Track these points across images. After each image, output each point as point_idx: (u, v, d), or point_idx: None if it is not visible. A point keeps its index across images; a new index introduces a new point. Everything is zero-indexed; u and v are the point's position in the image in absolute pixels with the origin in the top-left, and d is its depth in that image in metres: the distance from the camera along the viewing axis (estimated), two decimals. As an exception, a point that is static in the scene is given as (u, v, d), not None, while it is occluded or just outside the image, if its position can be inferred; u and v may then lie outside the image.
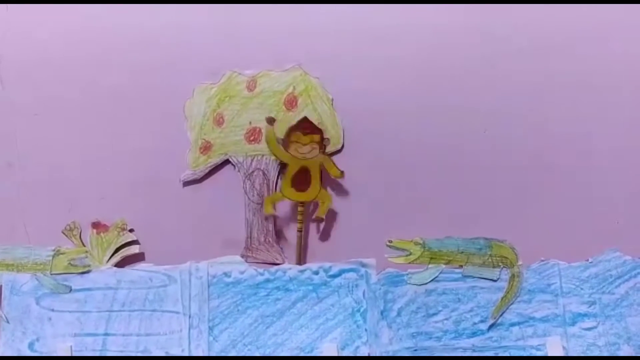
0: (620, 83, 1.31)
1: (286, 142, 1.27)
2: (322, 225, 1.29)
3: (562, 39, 1.31)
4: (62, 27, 1.33)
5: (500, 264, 1.24)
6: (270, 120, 1.27)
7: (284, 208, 1.29)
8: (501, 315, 1.22)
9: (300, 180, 1.27)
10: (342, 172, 1.27)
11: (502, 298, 1.23)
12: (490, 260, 1.24)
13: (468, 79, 1.31)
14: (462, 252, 1.24)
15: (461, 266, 1.24)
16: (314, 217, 1.27)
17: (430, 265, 1.24)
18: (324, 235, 1.29)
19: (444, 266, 1.24)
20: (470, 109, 1.30)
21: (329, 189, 1.29)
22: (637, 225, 1.28)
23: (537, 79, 1.30)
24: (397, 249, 1.24)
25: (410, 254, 1.24)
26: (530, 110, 1.30)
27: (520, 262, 1.24)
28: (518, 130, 1.30)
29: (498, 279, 1.24)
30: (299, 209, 1.27)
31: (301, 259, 1.27)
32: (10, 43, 1.33)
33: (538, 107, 1.31)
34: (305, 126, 1.26)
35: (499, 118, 1.30)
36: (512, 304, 1.23)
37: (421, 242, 1.24)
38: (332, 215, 1.29)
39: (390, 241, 1.24)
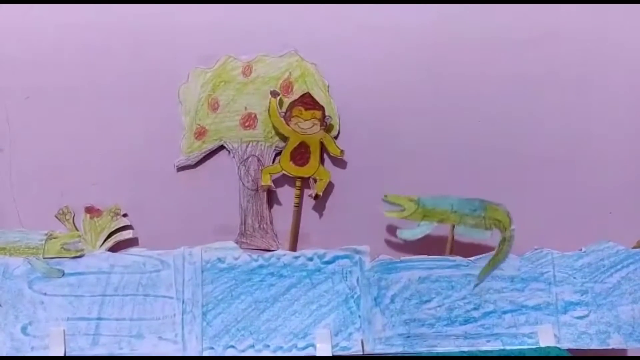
0: (616, 77, 1.32)
1: (287, 116, 1.27)
2: (317, 212, 1.30)
3: (560, 34, 1.32)
4: (55, 11, 1.31)
5: (492, 226, 1.24)
6: (275, 94, 1.27)
7: (280, 190, 1.29)
8: (486, 277, 1.22)
9: (300, 156, 1.27)
10: (342, 151, 1.27)
11: (489, 261, 1.23)
12: (483, 222, 1.24)
13: (465, 68, 1.31)
14: (456, 212, 1.24)
15: (454, 225, 1.24)
16: (311, 194, 1.28)
17: (422, 222, 1.24)
18: (319, 222, 1.29)
19: (436, 224, 1.24)
20: (466, 101, 1.31)
21: (325, 174, 1.29)
22: (630, 216, 1.29)
23: (534, 75, 1.31)
24: (392, 203, 1.24)
25: (404, 209, 1.23)
26: (525, 104, 1.31)
27: (513, 227, 1.24)
28: (512, 122, 1.31)
29: (487, 239, 1.23)
30: (297, 183, 1.27)
31: (295, 238, 1.28)
32: None
33: (533, 101, 1.31)
34: (307, 101, 1.27)
35: (494, 111, 1.31)
36: (497, 268, 1.23)
37: (415, 198, 1.24)
38: (327, 202, 1.29)
39: (385, 196, 1.24)
